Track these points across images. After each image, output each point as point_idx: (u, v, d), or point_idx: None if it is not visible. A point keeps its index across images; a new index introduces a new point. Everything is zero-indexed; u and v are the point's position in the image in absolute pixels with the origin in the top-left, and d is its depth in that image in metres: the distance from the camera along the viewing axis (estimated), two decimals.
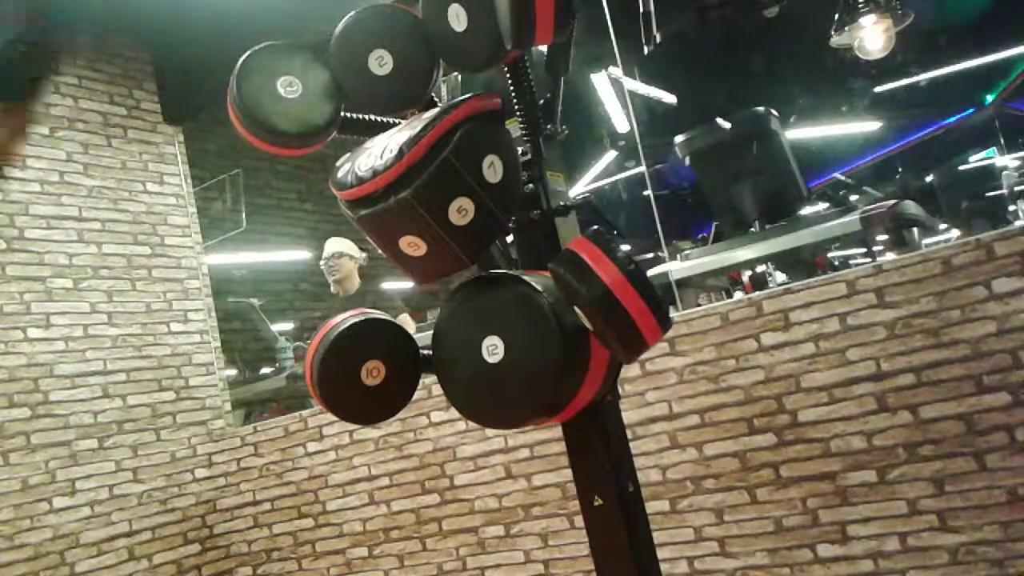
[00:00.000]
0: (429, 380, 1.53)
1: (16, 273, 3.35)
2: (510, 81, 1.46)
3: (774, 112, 3.53)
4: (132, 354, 3.63)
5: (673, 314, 2.51)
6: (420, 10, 1.48)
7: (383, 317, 1.47)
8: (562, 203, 1.50)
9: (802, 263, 3.73)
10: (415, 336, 1.47)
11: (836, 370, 2.43)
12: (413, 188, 1.21)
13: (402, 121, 1.49)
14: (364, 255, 4.34)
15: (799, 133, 7.97)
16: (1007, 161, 8.89)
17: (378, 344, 1.41)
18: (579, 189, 7.83)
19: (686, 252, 3.69)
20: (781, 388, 2.51)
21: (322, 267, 4.30)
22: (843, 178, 9.96)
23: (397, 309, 4.34)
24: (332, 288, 4.33)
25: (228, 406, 3.94)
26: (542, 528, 2.91)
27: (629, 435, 1.59)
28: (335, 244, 4.29)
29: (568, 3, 1.30)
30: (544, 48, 1.49)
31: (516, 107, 1.47)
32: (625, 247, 1.26)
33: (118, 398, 3.54)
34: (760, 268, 4.73)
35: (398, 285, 6.54)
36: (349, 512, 3.35)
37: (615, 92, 5.71)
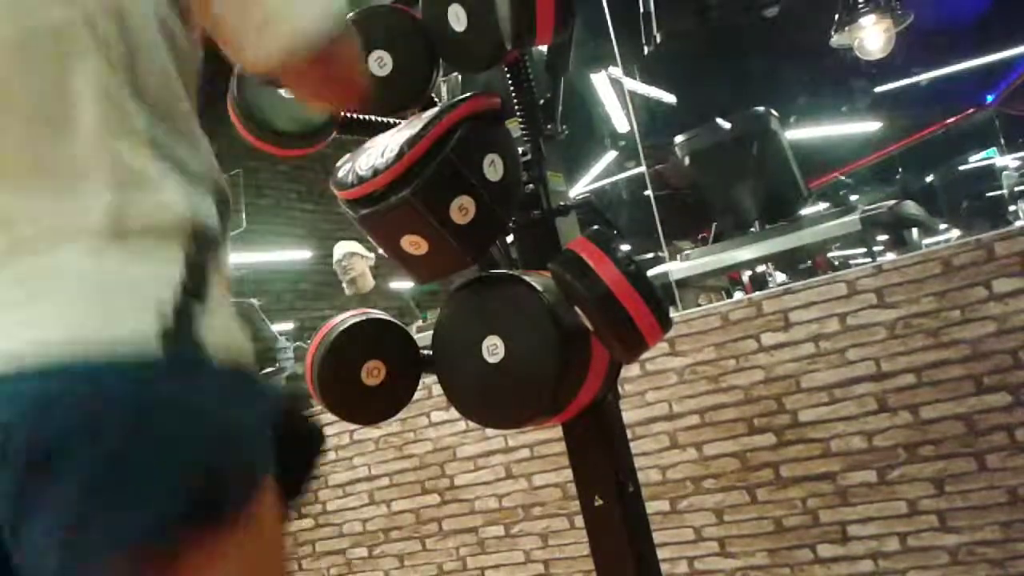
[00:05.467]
0: (429, 380, 1.53)
1: None
2: (510, 81, 1.46)
3: (774, 112, 3.53)
4: None
5: (673, 314, 2.51)
6: (420, 10, 1.48)
7: (384, 317, 1.47)
8: (562, 203, 1.51)
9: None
10: (415, 336, 1.47)
11: (836, 370, 2.43)
12: (414, 187, 1.21)
13: (402, 121, 1.49)
14: (373, 255, 4.47)
15: (799, 133, 7.97)
16: (1007, 161, 8.88)
17: (378, 344, 1.41)
18: (579, 189, 7.83)
19: (686, 252, 3.69)
20: (781, 388, 2.51)
21: (336, 268, 4.53)
22: (843, 178, 9.96)
23: (400, 308, 4.38)
24: (346, 289, 4.51)
25: None
26: (542, 528, 2.91)
27: (629, 435, 1.59)
28: (346, 246, 4.51)
29: (568, 3, 1.30)
30: (544, 48, 1.49)
31: (516, 107, 1.47)
32: (625, 247, 1.26)
33: None
34: (760, 268, 4.73)
35: (406, 284, 6.54)
36: (349, 512, 3.34)
37: (615, 92, 5.71)
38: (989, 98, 8.93)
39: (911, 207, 3.35)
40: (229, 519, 0.59)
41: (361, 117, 1.57)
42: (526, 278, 1.32)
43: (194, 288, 0.62)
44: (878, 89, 8.05)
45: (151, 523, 0.55)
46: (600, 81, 5.57)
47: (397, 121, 1.54)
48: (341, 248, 4.51)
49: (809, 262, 4.60)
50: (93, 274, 0.59)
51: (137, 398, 0.56)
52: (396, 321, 1.48)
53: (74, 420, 0.54)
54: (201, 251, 0.66)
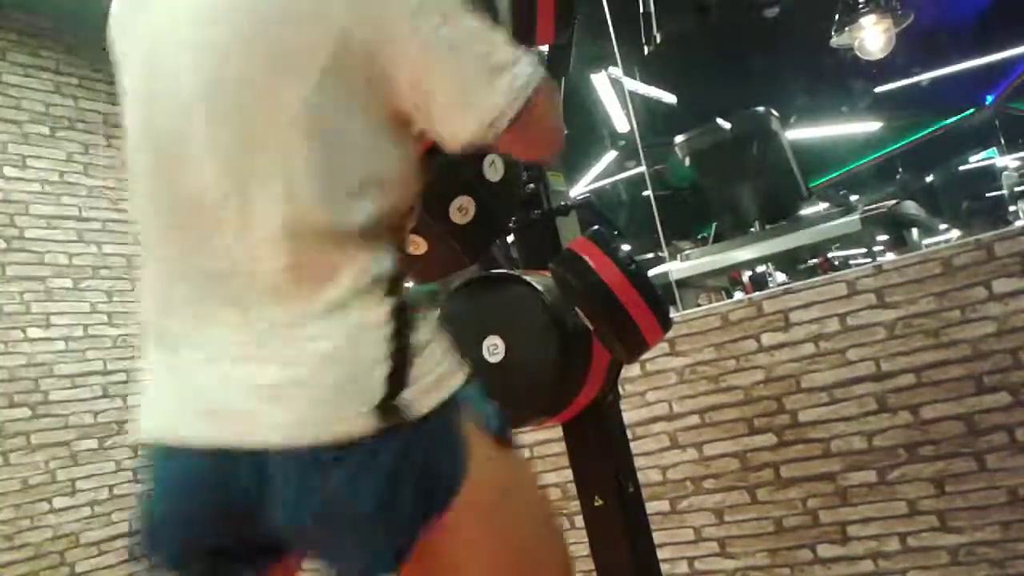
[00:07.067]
0: None
1: (16, 273, 3.35)
2: None
3: (774, 112, 3.53)
4: (132, 354, 3.63)
5: (673, 314, 2.51)
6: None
7: None
8: (563, 203, 1.50)
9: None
10: None
11: (836, 370, 2.43)
12: None
13: None
14: None
15: (799, 133, 7.96)
16: (1007, 161, 8.88)
17: None
18: (579, 189, 7.82)
19: (686, 252, 3.69)
20: (781, 388, 2.50)
21: None
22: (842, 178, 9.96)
23: None
24: None
25: None
26: None
27: (629, 435, 1.59)
28: None
29: (569, 4, 1.30)
30: (544, 48, 1.49)
31: None
32: (625, 247, 1.26)
33: (118, 398, 3.54)
34: (760, 268, 4.73)
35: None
36: None
37: (615, 92, 5.70)
38: (989, 98, 8.92)
39: (911, 207, 3.36)
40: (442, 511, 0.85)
41: None
42: (526, 278, 1.31)
43: (398, 361, 0.84)
44: (878, 89, 8.04)
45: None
46: (600, 81, 5.56)
47: None
48: None
49: (813, 260, 4.60)
50: (328, 378, 0.83)
51: (360, 457, 0.82)
52: None
53: (330, 472, 0.82)
54: (400, 315, 0.86)
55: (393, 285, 0.87)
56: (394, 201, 0.89)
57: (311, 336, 0.83)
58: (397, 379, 0.83)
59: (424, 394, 0.85)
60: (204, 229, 0.87)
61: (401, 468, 0.83)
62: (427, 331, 0.88)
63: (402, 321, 0.86)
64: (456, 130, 0.88)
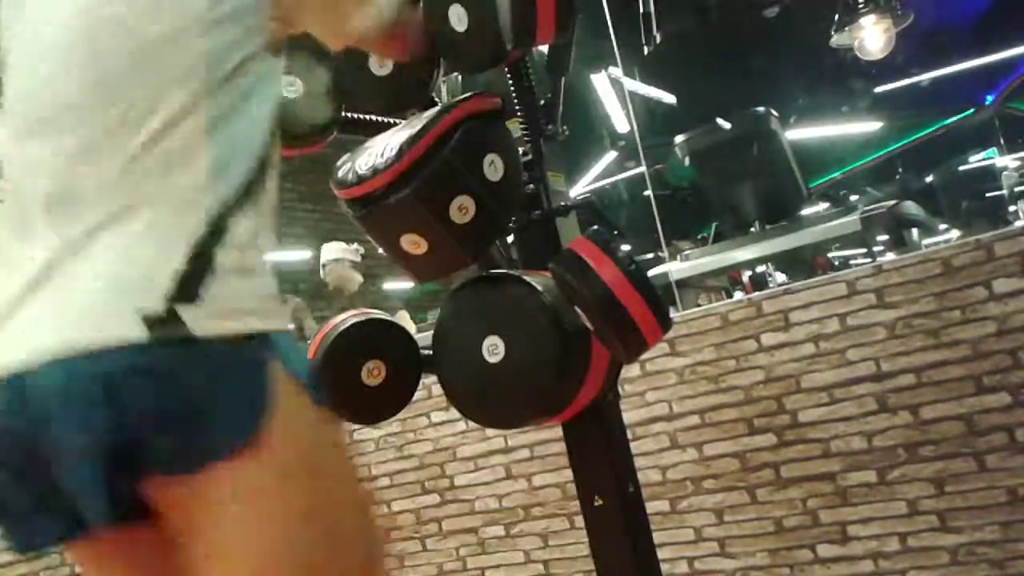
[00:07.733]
0: (429, 380, 1.53)
1: None
2: (511, 81, 1.46)
3: (774, 112, 3.53)
4: None
5: (673, 314, 2.51)
6: (420, 10, 1.48)
7: (384, 317, 1.47)
8: (563, 203, 1.50)
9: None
10: (416, 336, 1.47)
11: (836, 370, 2.43)
12: (413, 186, 1.21)
13: (402, 121, 1.49)
14: (355, 246, 4.47)
15: (799, 133, 7.96)
16: (1007, 161, 8.89)
17: (379, 344, 1.41)
18: (579, 189, 7.83)
19: (686, 252, 3.69)
20: (781, 388, 2.51)
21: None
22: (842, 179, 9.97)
23: (394, 308, 4.39)
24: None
25: None
26: (542, 528, 2.91)
27: (629, 435, 1.59)
28: (323, 253, 4.51)
29: (569, 3, 1.30)
30: (545, 48, 1.49)
31: (516, 107, 1.47)
32: (625, 247, 1.27)
33: None
34: (760, 268, 4.74)
35: (400, 284, 6.52)
36: None
37: (615, 92, 5.71)
38: (989, 98, 8.92)
39: (911, 207, 3.36)
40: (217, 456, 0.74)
41: (361, 117, 1.57)
42: (526, 278, 1.32)
43: (191, 276, 0.76)
44: (878, 89, 8.05)
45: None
46: (600, 81, 5.57)
47: (397, 121, 1.54)
48: (321, 256, 4.56)
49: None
50: (99, 282, 0.76)
51: (114, 370, 0.73)
52: (397, 321, 1.48)
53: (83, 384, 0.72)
54: (210, 236, 0.79)
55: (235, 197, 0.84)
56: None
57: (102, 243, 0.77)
58: (184, 293, 0.75)
59: (214, 318, 0.77)
60: None
61: (169, 387, 0.74)
62: (248, 263, 0.84)
63: (214, 240, 0.79)
64: (336, 31, 0.97)
